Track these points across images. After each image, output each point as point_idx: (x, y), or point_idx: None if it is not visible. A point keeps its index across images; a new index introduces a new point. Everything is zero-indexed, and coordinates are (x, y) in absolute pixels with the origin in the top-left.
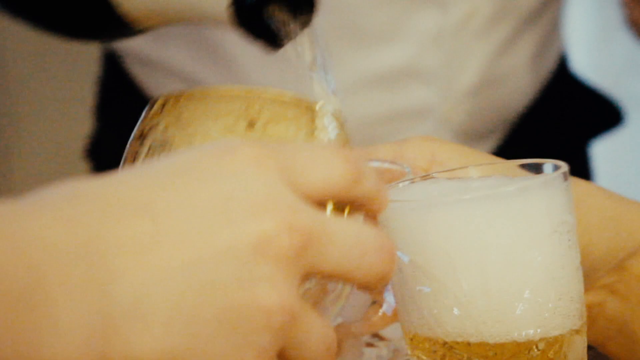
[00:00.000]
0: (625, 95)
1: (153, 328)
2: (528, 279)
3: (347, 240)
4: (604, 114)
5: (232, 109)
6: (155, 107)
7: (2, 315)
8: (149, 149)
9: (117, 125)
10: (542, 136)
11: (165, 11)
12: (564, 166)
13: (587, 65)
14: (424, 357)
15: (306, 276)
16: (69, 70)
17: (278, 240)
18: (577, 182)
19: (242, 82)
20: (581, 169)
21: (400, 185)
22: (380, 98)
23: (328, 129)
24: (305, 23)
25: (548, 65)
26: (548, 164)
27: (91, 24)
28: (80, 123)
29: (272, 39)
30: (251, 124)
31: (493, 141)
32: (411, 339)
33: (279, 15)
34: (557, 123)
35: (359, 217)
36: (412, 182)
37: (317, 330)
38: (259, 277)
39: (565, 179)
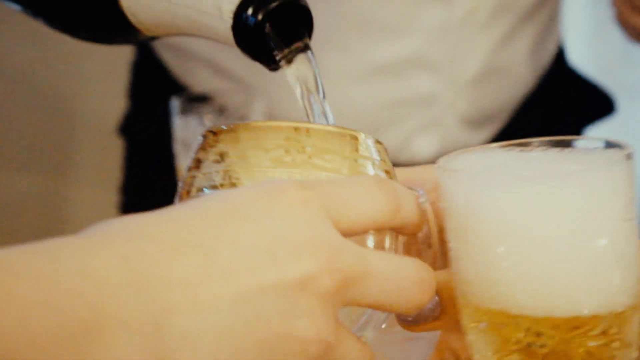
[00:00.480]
0: (618, 85)
1: (199, 355)
2: (596, 257)
3: (386, 276)
4: (597, 103)
5: (282, 142)
6: (209, 139)
7: (61, 348)
8: (204, 179)
9: (148, 105)
10: (540, 123)
11: (173, 26)
12: (629, 146)
13: (583, 58)
14: (485, 330)
15: (346, 305)
16: (107, 55)
17: (320, 279)
18: None
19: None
20: None
21: (457, 154)
22: (390, 85)
23: (371, 156)
24: (302, 48)
25: (546, 57)
26: (597, 140)
27: (108, 30)
28: (115, 102)
29: (270, 61)
30: (300, 155)
31: (494, 126)
32: (471, 311)
33: (276, 40)
34: (554, 111)
35: (402, 239)
36: (468, 152)
37: (354, 354)
38: (300, 312)
39: (630, 158)
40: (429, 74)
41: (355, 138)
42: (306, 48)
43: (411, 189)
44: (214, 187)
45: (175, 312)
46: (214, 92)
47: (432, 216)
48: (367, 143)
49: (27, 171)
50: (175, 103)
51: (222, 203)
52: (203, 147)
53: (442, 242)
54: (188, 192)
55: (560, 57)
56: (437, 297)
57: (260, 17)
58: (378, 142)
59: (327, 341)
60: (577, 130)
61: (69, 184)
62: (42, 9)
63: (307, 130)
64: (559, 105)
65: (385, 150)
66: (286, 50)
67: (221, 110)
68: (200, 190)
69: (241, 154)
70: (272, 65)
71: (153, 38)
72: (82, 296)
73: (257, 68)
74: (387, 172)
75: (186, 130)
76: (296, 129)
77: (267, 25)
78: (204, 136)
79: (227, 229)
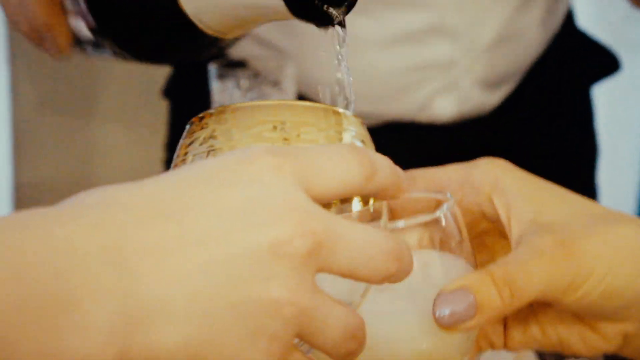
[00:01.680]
0: (622, 43)
1: (172, 322)
2: None
3: (355, 243)
4: (603, 63)
5: (263, 118)
6: (196, 125)
7: (27, 316)
8: (193, 161)
9: (189, 70)
10: (551, 82)
11: (236, 18)
12: None
13: (589, 19)
14: None
15: (320, 272)
16: None
17: (292, 243)
18: (617, 227)
19: (294, 38)
20: (583, 110)
21: None
22: (412, 52)
23: (349, 129)
24: (348, 9)
25: (556, 21)
26: None
27: (184, 45)
28: (161, 68)
29: (323, 22)
30: (279, 130)
31: (508, 87)
32: None
33: (324, 3)
34: (563, 70)
35: (383, 204)
36: None
37: (335, 319)
38: (272, 275)
39: None
40: (448, 40)
41: (334, 112)
42: (350, 9)
43: (438, 192)
44: None
45: (145, 279)
46: (248, 58)
47: (461, 215)
48: (345, 116)
49: (88, 126)
50: (213, 68)
51: (194, 171)
52: (191, 132)
53: (472, 239)
54: None
55: (568, 20)
56: (472, 297)
57: None
58: (355, 115)
59: (301, 303)
60: (585, 88)
61: (122, 141)
62: (128, 50)
63: (288, 107)
64: (567, 65)
65: (362, 122)
66: (334, 13)
67: (255, 75)
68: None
69: (226, 133)
70: (324, 24)
71: (228, 43)
72: (49, 266)
73: (289, 36)
74: (363, 142)
75: (223, 93)
76: (277, 106)
77: None
78: (192, 123)
79: (198, 196)
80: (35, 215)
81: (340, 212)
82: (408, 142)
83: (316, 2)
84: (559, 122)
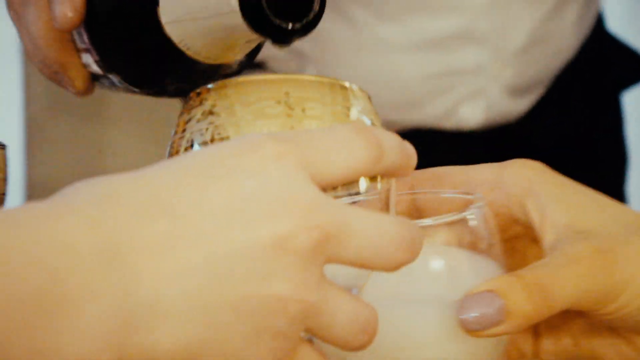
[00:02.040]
0: None
1: (171, 321)
2: None
3: (366, 232)
4: (634, 68)
5: (266, 94)
6: (194, 99)
7: (20, 316)
8: (192, 137)
9: None
10: (580, 88)
11: (215, 41)
12: None
13: (621, 22)
14: None
15: (328, 263)
16: None
17: (296, 238)
18: None
19: (320, 43)
20: (613, 117)
21: None
22: (439, 58)
23: (356, 105)
24: (307, 28)
25: (588, 25)
26: None
27: (186, 77)
28: None
29: (281, 40)
30: (283, 105)
31: (537, 93)
32: None
33: (282, 21)
34: (593, 76)
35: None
36: None
37: (345, 313)
38: (275, 271)
39: None
40: (476, 47)
41: (340, 87)
42: (311, 29)
43: (468, 193)
44: (204, 144)
45: (142, 277)
46: (267, 60)
47: (492, 217)
48: (351, 91)
49: (100, 126)
50: None
51: (194, 162)
52: (189, 108)
53: (504, 242)
54: (177, 152)
55: (599, 24)
56: (501, 301)
57: None
58: (362, 90)
59: (307, 300)
60: (615, 94)
61: (134, 141)
62: (132, 82)
63: (292, 81)
64: (597, 70)
65: (369, 98)
66: (298, 25)
67: None
68: (189, 148)
69: (228, 109)
70: (282, 43)
71: (233, 70)
72: (43, 264)
73: (310, 39)
74: (370, 118)
75: None
76: (281, 80)
77: (272, 4)
78: (190, 98)
79: (197, 189)
80: (28, 209)
81: (346, 189)
82: (433, 150)
83: (272, 18)
84: (587, 129)
